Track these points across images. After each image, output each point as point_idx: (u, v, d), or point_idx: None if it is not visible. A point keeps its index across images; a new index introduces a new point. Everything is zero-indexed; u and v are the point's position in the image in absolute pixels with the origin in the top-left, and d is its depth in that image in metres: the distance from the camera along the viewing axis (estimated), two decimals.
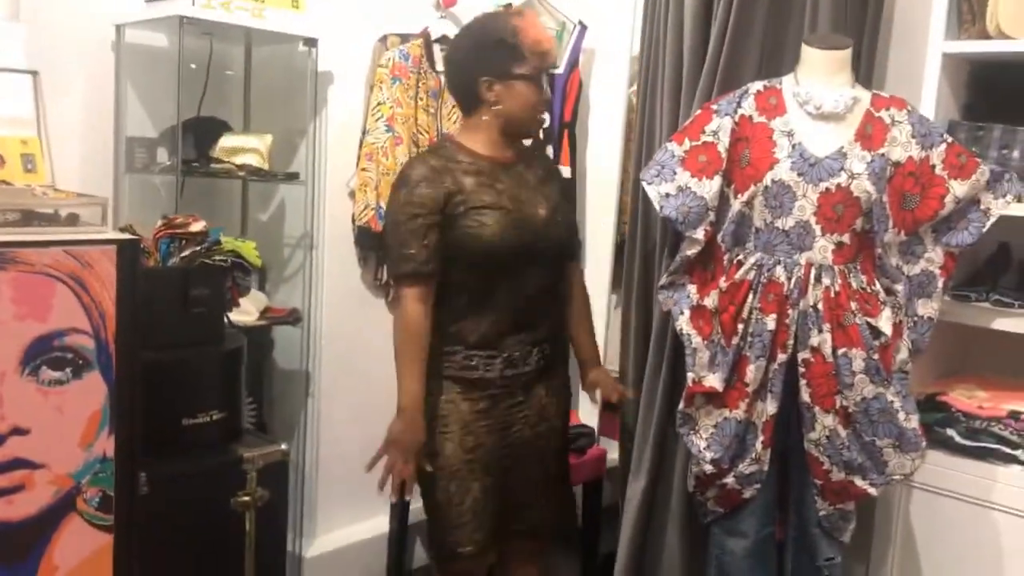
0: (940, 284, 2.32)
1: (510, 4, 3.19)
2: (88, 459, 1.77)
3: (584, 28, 3.34)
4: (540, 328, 2.26)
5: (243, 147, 2.72)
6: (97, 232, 1.78)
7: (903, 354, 2.27)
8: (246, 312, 2.67)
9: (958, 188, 2.25)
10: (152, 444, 1.91)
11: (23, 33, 2.04)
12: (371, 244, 2.97)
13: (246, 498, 2.07)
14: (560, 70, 3.31)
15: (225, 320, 2.21)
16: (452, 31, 3.04)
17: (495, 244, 2.09)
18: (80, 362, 1.74)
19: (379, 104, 2.93)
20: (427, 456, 2.12)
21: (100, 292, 1.75)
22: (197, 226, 2.08)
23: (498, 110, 2.11)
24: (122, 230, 2.11)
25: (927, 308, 2.33)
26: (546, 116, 2.24)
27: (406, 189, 2.05)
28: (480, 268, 2.11)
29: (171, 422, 1.98)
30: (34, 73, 1.96)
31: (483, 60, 2.08)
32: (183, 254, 2.05)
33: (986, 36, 2.41)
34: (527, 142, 2.35)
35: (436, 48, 3.03)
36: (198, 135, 2.67)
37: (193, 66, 2.69)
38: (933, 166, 2.25)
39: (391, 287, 2.16)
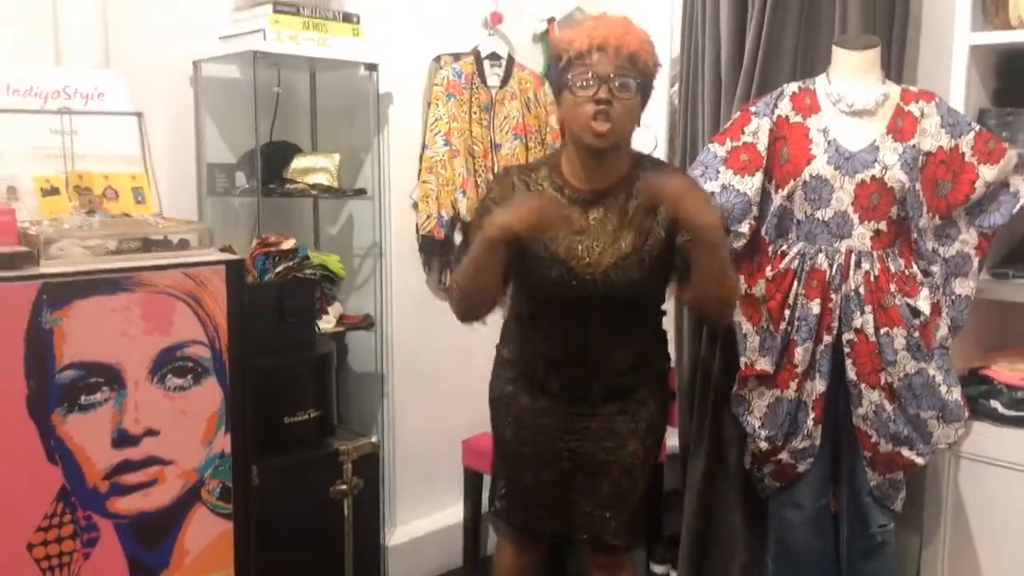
0: (975, 263, 2.45)
1: (553, 18, 3.37)
2: (209, 455, 2.00)
3: None
4: (604, 366, 2.15)
5: (314, 167, 2.92)
6: (207, 254, 2.00)
7: (942, 331, 2.42)
8: (326, 320, 2.88)
9: (988, 173, 2.38)
10: (260, 441, 2.13)
11: (124, 79, 2.26)
12: (434, 251, 3.16)
13: (344, 487, 2.28)
14: None
15: (316, 328, 2.42)
16: (501, 48, 3.23)
17: (543, 292, 2.03)
18: (199, 370, 1.96)
19: (436, 120, 3.11)
20: (492, 432, 2.21)
21: (213, 307, 1.97)
22: (288, 244, 2.29)
23: (565, 127, 2.03)
24: (222, 250, 2.32)
25: (964, 287, 2.46)
26: (604, 126, 1.90)
27: (486, 191, 2.07)
28: (530, 302, 2.04)
29: (276, 421, 2.19)
30: (139, 114, 2.18)
31: (551, 81, 2.09)
32: (277, 270, 2.26)
33: (1010, 27, 2.53)
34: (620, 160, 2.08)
35: (486, 64, 3.21)
36: (272, 158, 2.87)
37: (277, 90, 2.89)
38: (963, 153, 2.38)
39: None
